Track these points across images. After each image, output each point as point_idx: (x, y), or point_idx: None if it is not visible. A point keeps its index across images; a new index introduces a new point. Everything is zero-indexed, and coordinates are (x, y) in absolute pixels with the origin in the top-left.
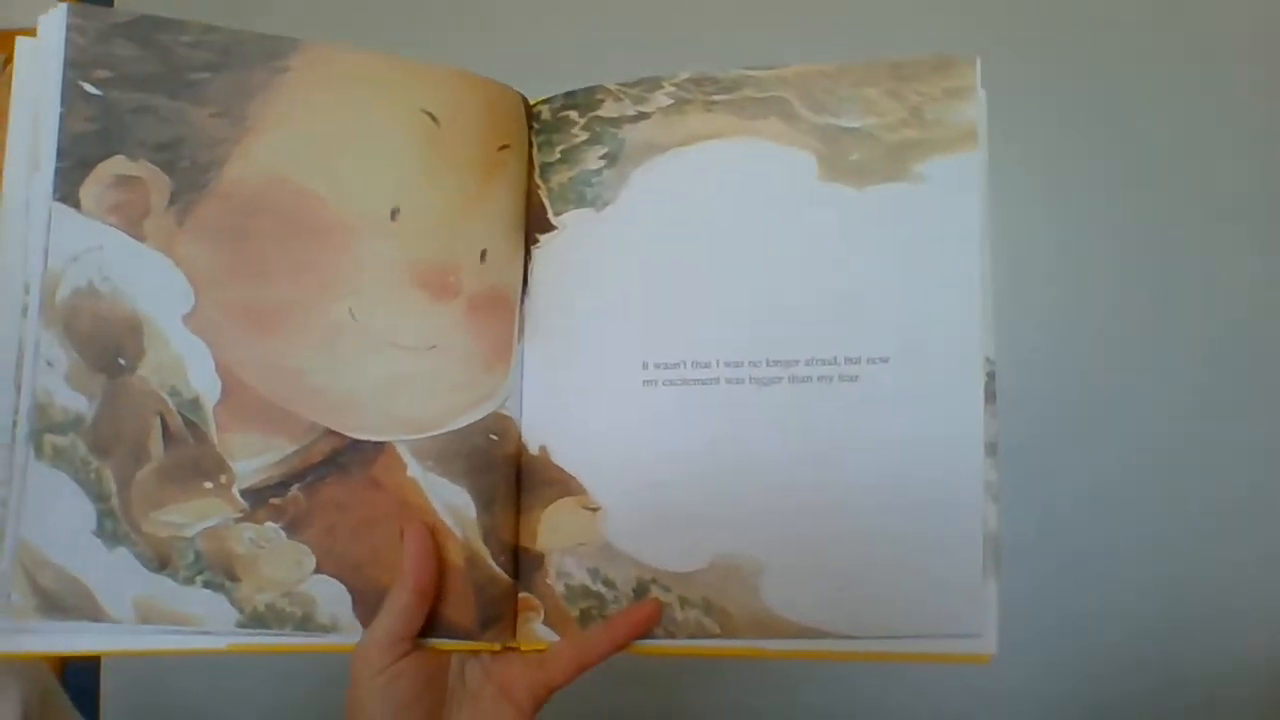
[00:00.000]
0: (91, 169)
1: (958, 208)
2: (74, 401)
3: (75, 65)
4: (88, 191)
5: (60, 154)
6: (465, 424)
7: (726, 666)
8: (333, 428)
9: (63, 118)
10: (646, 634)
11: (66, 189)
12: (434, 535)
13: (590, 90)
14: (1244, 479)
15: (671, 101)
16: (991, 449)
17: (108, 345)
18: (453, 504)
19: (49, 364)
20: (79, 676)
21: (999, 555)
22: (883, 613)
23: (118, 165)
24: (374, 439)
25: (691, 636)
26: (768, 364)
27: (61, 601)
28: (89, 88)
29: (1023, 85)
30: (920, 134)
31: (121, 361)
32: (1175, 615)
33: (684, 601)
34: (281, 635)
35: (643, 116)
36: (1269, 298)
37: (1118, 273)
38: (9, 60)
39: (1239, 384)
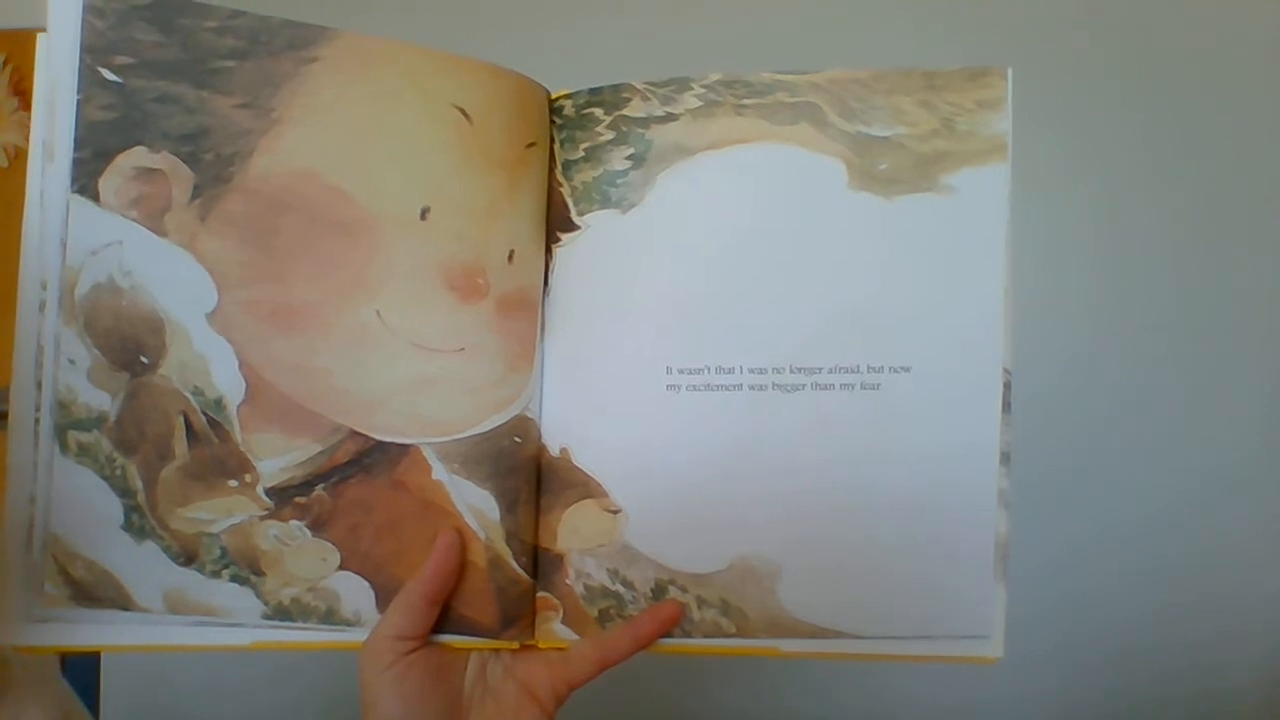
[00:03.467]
0: (110, 160)
1: (984, 220)
2: (97, 399)
3: (93, 50)
4: (107, 183)
5: (77, 143)
6: (491, 427)
7: (737, 666)
8: (358, 429)
9: (79, 105)
10: (669, 633)
11: (84, 180)
12: (462, 541)
13: (616, 88)
14: (1242, 462)
15: (701, 104)
16: (1005, 458)
17: (129, 344)
18: (477, 506)
19: (71, 361)
20: (79, 676)
21: (1008, 560)
22: (895, 615)
23: (138, 156)
24: (399, 441)
25: (708, 636)
26: (791, 371)
27: (93, 591)
28: (108, 74)
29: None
30: (951, 145)
31: (144, 360)
32: (1173, 602)
33: (701, 602)
34: (306, 629)
35: (671, 118)
36: (1266, 288)
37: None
38: (9, 60)
39: (1236, 368)
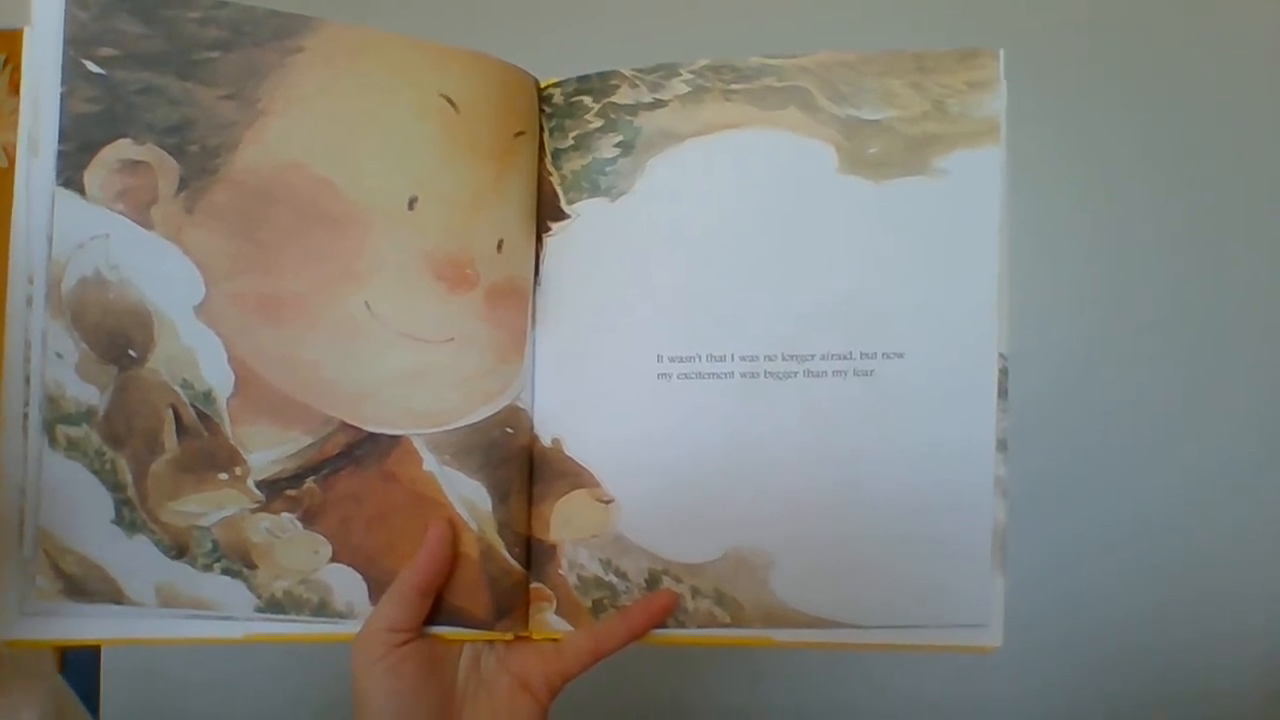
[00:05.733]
0: (95, 152)
1: (977, 202)
2: (85, 393)
3: (76, 42)
4: (92, 176)
5: (62, 136)
6: (482, 418)
7: (732, 658)
8: (348, 421)
9: (64, 98)
10: (663, 623)
11: (69, 173)
12: (454, 532)
13: (605, 75)
14: (1242, 459)
15: (689, 89)
16: (1002, 445)
17: (117, 337)
18: (468, 497)
19: (58, 355)
20: (79, 675)
21: (1005, 549)
22: (891, 604)
23: (123, 149)
24: (390, 433)
25: (702, 626)
26: (783, 358)
27: (85, 586)
28: (91, 66)
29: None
30: (942, 127)
31: (132, 353)
32: (1173, 600)
33: (695, 592)
34: (298, 622)
35: (659, 104)
36: (1267, 284)
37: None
38: (9, 61)
39: (1236, 363)
